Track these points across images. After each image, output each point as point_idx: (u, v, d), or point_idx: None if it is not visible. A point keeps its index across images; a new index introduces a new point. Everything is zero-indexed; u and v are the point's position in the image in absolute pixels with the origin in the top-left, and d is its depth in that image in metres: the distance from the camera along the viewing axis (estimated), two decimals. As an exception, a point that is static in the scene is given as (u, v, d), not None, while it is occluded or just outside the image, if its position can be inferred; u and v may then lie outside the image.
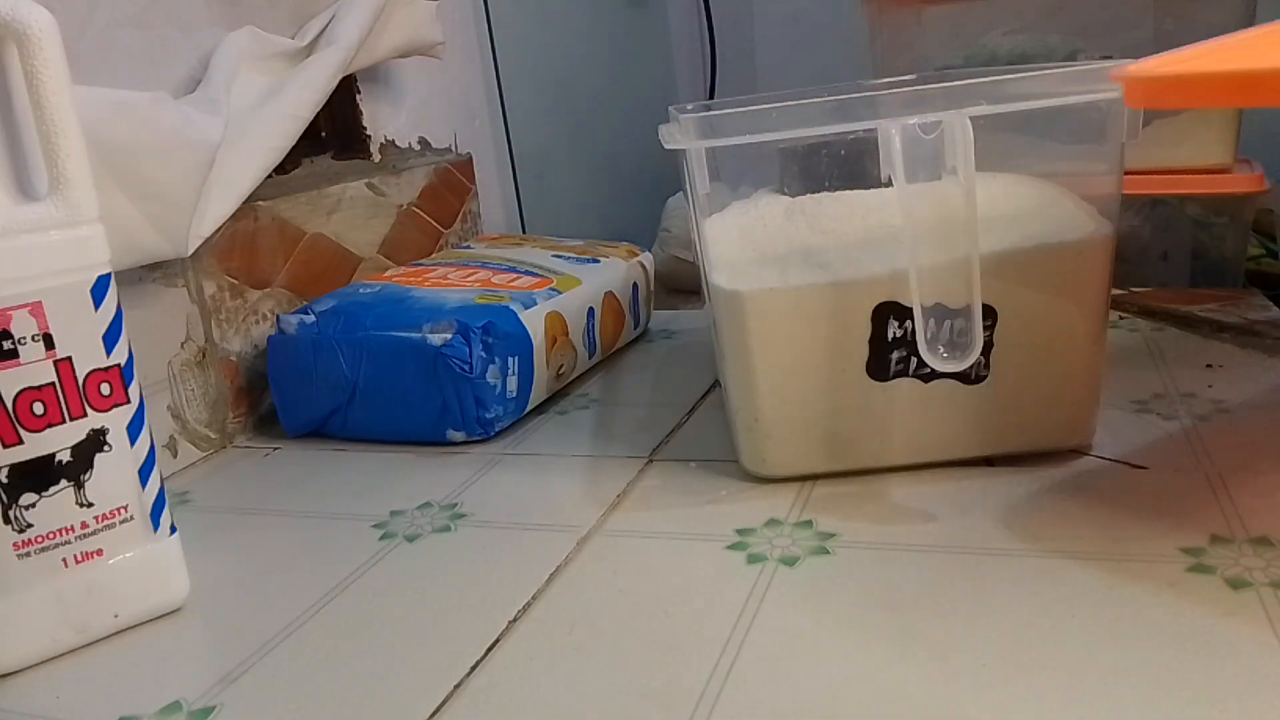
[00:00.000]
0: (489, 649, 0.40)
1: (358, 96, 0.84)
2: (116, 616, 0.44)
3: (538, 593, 0.44)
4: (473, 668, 0.39)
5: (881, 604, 0.40)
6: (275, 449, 0.67)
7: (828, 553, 0.44)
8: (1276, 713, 0.31)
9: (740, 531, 0.47)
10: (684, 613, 0.41)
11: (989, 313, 0.47)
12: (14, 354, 0.41)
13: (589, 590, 0.44)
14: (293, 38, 0.73)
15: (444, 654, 0.40)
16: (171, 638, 0.44)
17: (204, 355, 0.67)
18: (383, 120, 0.87)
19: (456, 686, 0.38)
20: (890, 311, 0.47)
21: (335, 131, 0.82)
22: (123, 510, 0.44)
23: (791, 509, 0.48)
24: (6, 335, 0.40)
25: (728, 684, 0.36)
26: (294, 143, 0.68)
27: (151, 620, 0.45)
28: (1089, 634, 0.36)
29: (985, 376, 0.49)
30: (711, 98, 1.48)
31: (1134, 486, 0.47)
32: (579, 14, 1.23)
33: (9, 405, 0.41)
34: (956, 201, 0.43)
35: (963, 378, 0.48)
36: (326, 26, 0.73)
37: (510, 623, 0.42)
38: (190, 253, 0.61)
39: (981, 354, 0.47)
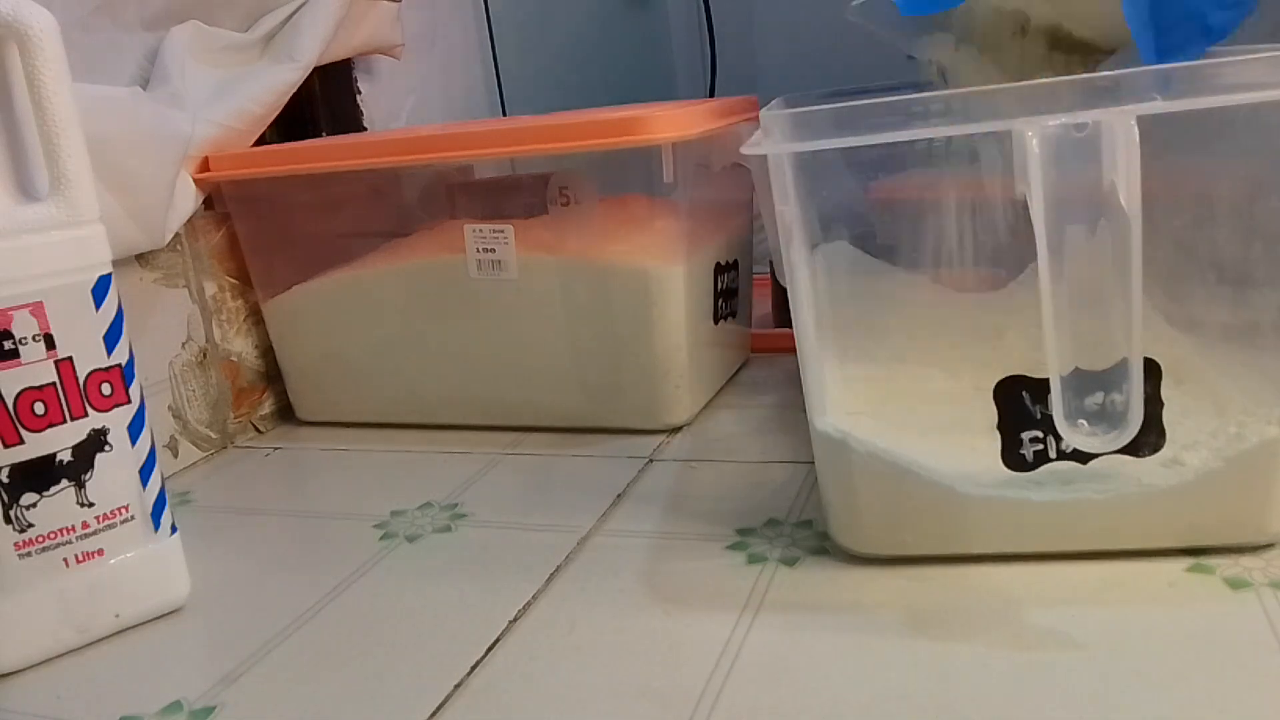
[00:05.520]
0: (489, 649, 0.40)
1: (358, 96, 0.84)
2: (117, 616, 0.44)
3: (538, 593, 0.44)
4: (473, 668, 0.39)
5: (882, 603, 0.40)
6: (275, 449, 0.67)
7: (827, 552, 0.44)
8: (1276, 713, 0.31)
9: (740, 531, 0.47)
10: (684, 613, 0.41)
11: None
12: (15, 354, 0.41)
13: (589, 590, 0.44)
14: (246, 31, 0.73)
15: (444, 654, 0.40)
16: (172, 638, 0.44)
17: (205, 355, 0.67)
18: (383, 119, 0.87)
19: (457, 686, 0.38)
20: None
21: (336, 130, 0.82)
22: (123, 510, 0.44)
23: (791, 509, 0.49)
24: (7, 335, 0.40)
25: (728, 684, 0.36)
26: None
27: (152, 620, 0.45)
28: (1088, 634, 0.36)
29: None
30: (711, 97, 1.47)
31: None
32: (579, 14, 1.24)
33: (10, 405, 0.41)
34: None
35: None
36: (286, 23, 0.73)
37: (510, 623, 0.42)
38: (165, 244, 0.61)
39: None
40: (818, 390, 0.43)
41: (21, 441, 0.41)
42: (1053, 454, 0.40)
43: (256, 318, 0.70)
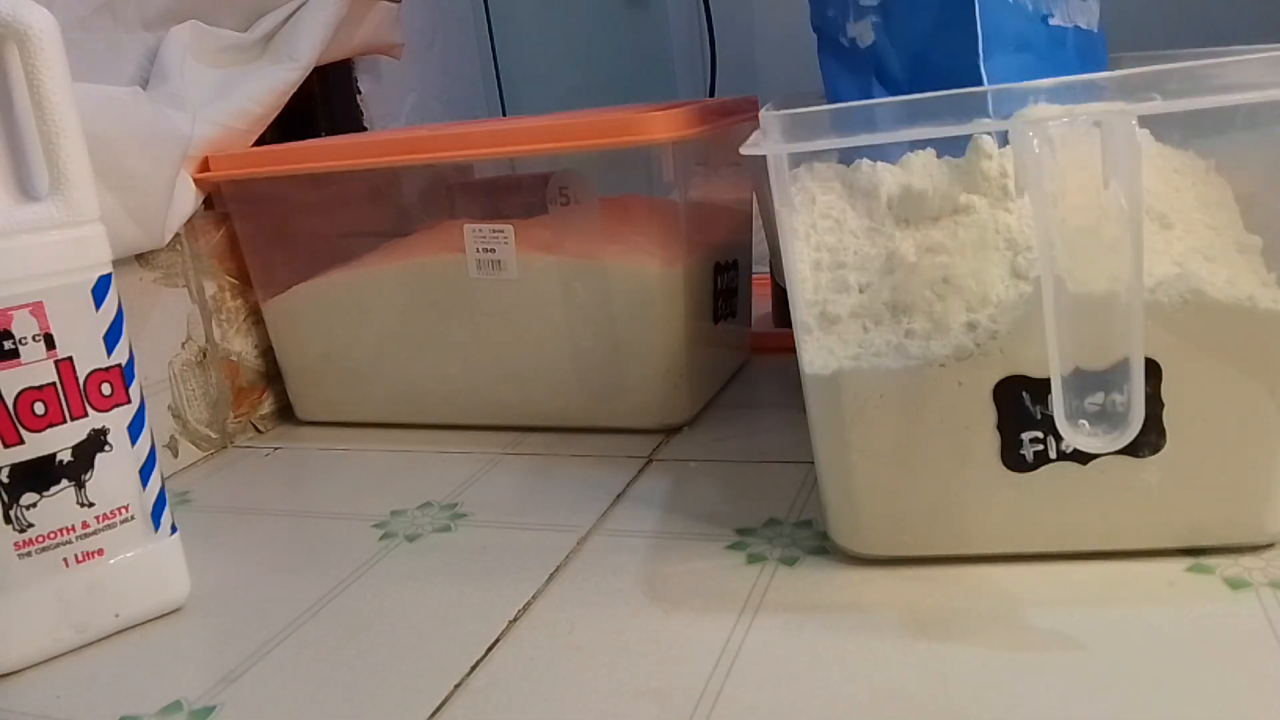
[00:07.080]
0: (489, 649, 0.40)
1: (358, 97, 0.84)
2: (117, 616, 0.44)
3: (538, 593, 0.44)
4: (473, 668, 0.39)
5: (882, 603, 0.40)
6: (275, 449, 0.67)
7: (827, 552, 0.44)
8: (1276, 713, 0.31)
9: (740, 531, 0.47)
10: (684, 613, 0.41)
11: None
12: (15, 354, 0.41)
13: (589, 590, 0.44)
14: (246, 31, 0.73)
15: (444, 654, 0.40)
16: (172, 637, 0.44)
17: (205, 355, 0.67)
18: (383, 119, 0.87)
19: (456, 686, 0.38)
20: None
21: (336, 130, 0.82)
22: (123, 510, 0.44)
23: (791, 509, 0.49)
24: (7, 335, 0.40)
25: (727, 684, 0.36)
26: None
27: (152, 620, 0.45)
28: (1088, 634, 0.36)
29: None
30: (711, 97, 1.47)
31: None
32: (579, 14, 1.24)
33: (10, 405, 0.41)
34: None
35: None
36: (285, 23, 0.73)
37: (510, 623, 0.42)
38: (165, 244, 0.62)
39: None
40: (817, 389, 0.43)
41: (21, 441, 0.41)
42: (1053, 454, 0.39)
43: (256, 317, 0.70)
